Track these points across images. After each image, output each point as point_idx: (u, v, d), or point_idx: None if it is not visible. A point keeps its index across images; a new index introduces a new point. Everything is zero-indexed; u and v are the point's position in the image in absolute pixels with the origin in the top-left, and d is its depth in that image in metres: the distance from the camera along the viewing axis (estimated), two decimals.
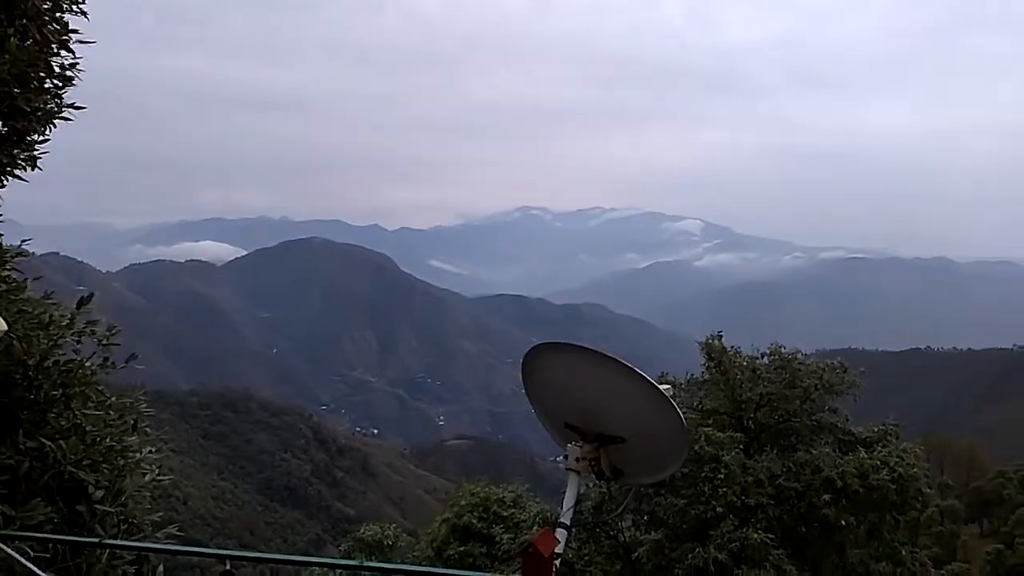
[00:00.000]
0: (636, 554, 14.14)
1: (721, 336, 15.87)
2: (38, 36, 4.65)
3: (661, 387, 3.16)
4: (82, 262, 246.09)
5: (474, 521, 14.23)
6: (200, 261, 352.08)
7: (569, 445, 3.20)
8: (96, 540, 3.98)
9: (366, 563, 3.94)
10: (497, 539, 14.00)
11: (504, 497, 14.68)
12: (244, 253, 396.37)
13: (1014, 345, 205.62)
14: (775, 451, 14.32)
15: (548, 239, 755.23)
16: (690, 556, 12.57)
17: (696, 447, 13.09)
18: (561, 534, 3.07)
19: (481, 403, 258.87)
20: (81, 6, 4.82)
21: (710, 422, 14.31)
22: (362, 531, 18.47)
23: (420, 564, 14.83)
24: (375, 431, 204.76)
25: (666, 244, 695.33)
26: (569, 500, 3.17)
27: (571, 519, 3.16)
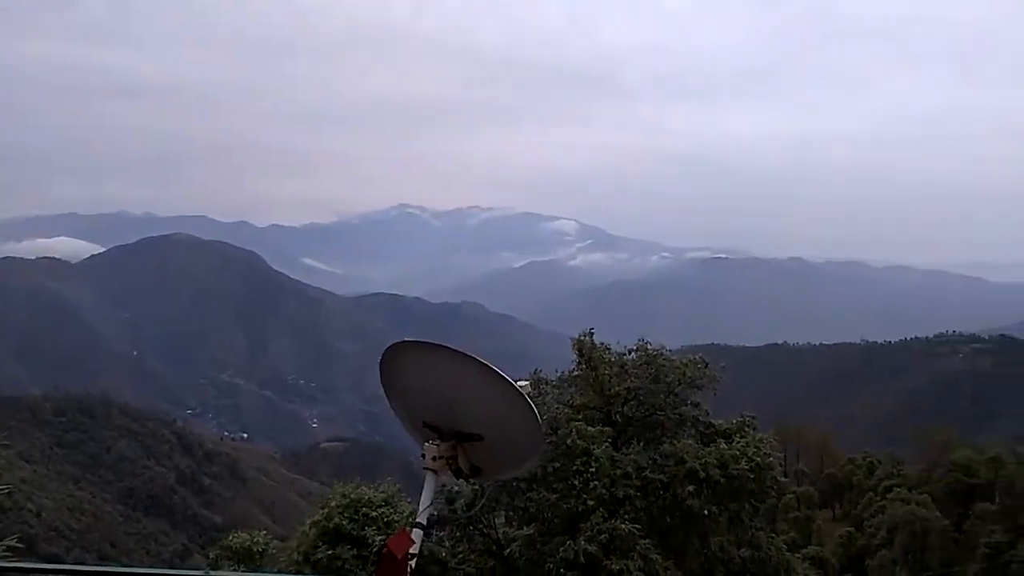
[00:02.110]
0: (509, 550, 14.28)
1: (592, 333, 16.22)
2: None
3: (518, 384, 3.20)
4: None
5: (344, 523, 13.95)
6: (53, 258, 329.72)
7: (426, 444, 3.19)
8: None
9: (229, 574, 3.77)
10: (369, 540, 13.80)
11: (374, 498, 14.47)
12: (102, 250, 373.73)
13: (861, 340, 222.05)
14: (641, 444, 14.76)
15: (426, 238, 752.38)
16: (561, 549, 12.79)
17: (568, 441, 13.34)
18: (417, 534, 3.05)
19: (356, 403, 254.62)
20: None
21: (580, 417, 14.60)
22: (230, 539, 17.80)
23: (287, 572, 14.44)
24: (244, 435, 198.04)
25: (542, 244, 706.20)
26: (425, 500, 3.16)
27: (427, 519, 3.15)
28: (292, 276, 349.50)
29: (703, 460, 13.92)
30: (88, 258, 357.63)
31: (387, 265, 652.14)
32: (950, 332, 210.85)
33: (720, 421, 16.08)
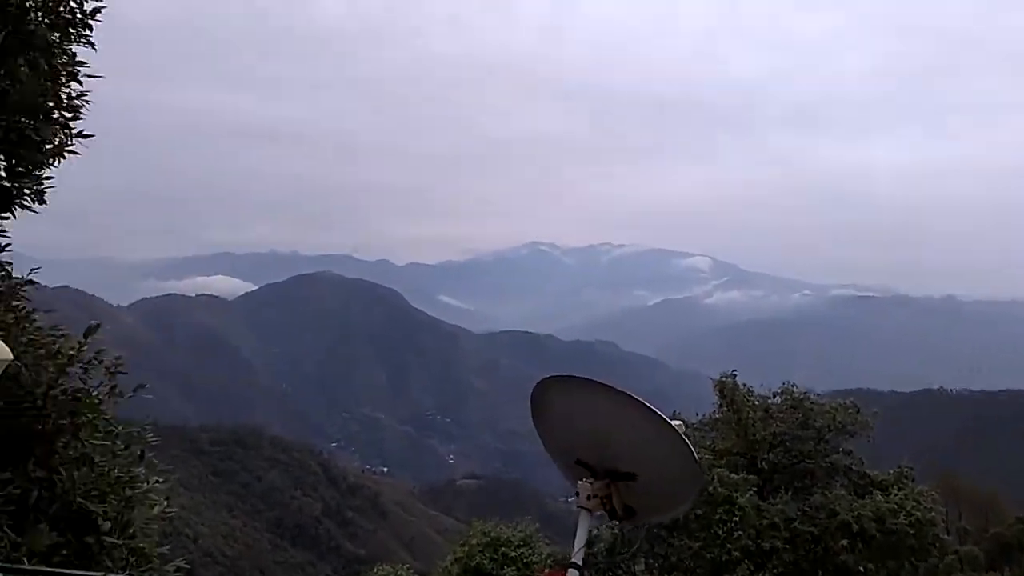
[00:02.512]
0: None
1: (735, 375, 15.73)
2: (47, 67, 4.65)
3: (673, 423, 3.10)
4: (93, 295, 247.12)
5: (484, 562, 13.98)
6: (211, 295, 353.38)
7: (580, 482, 3.12)
8: (102, 574, 3.91)
9: None
10: None
11: (513, 537, 14.43)
12: (254, 288, 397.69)
13: None
14: (789, 493, 14.10)
15: (557, 275, 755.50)
16: None
17: (709, 488, 12.90)
18: (573, 574, 2.98)
19: (491, 441, 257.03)
20: (89, 38, 4.85)
21: (723, 462, 14.12)
22: (375, 572, 18.19)
23: None
24: (384, 469, 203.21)
25: (675, 281, 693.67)
26: (580, 539, 3.08)
27: (583, 559, 3.07)
28: (429, 313, 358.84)
29: (857, 513, 13.13)
30: (242, 295, 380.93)
31: (519, 302, 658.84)
32: None
33: (875, 471, 15.14)
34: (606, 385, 3.09)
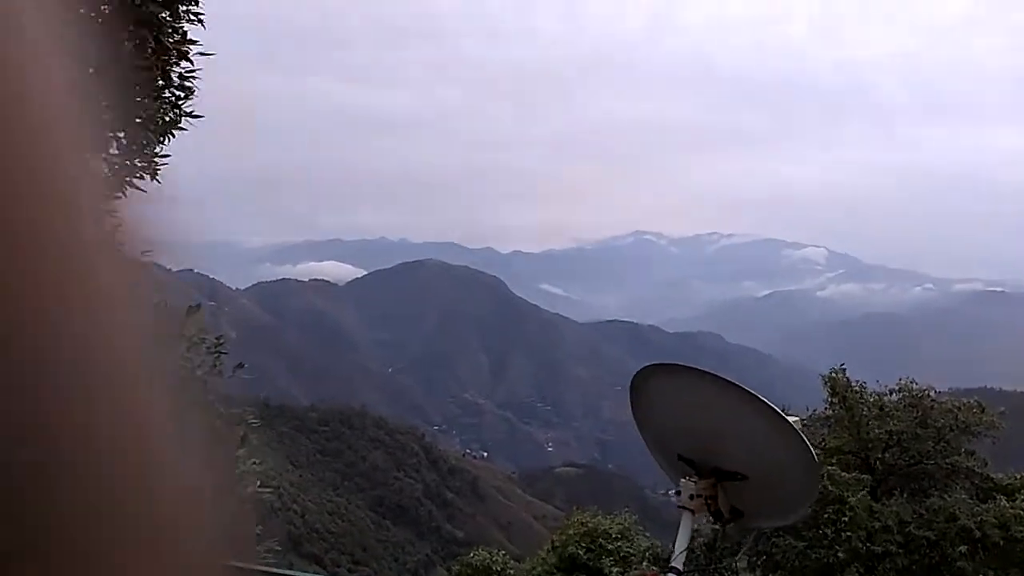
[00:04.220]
0: None
1: (845, 370, 15.05)
2: (154, 45, 4.52)
3: (790, 419, 2.85)
4: (214, 279, 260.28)
5: (580, 552, 13.89)
6: (323, 280, 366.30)
7: (682, 480, 2.93)
8: None
9: None
10: (605, 572, 13.62)
11: (611, 529, 14.28)
12: (364, 273, 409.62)
13: None
14: (905, 495, 13.40)
15: (662, 265, 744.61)
16: None
17: (820, 487, 12.39)
18: None
19: (590, 430, 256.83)
20: (200, 15, 4.72)
21: (834, 461, 13.54)
22: (471, 555, 18.38)
23: None
24: (484, 453, 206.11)
25: (787, 272, 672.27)
26: (682, 542, 2.90)
27: (684, 563, 2.89)
28: (531, 301, 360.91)
29: (980, 518, 12.34)
30: (352, 281, 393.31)
31: (622, 292, 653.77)
32: None
33: (1000, 475, 14.21)
34: (715, 375, 2.90)
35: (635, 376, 3.09)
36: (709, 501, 2.90)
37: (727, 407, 2.89)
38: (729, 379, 2.86)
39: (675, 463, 3.05)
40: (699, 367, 3.01)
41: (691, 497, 2.90)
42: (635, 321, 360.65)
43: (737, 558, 12.33)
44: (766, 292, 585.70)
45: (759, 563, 13.85)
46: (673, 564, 2.87)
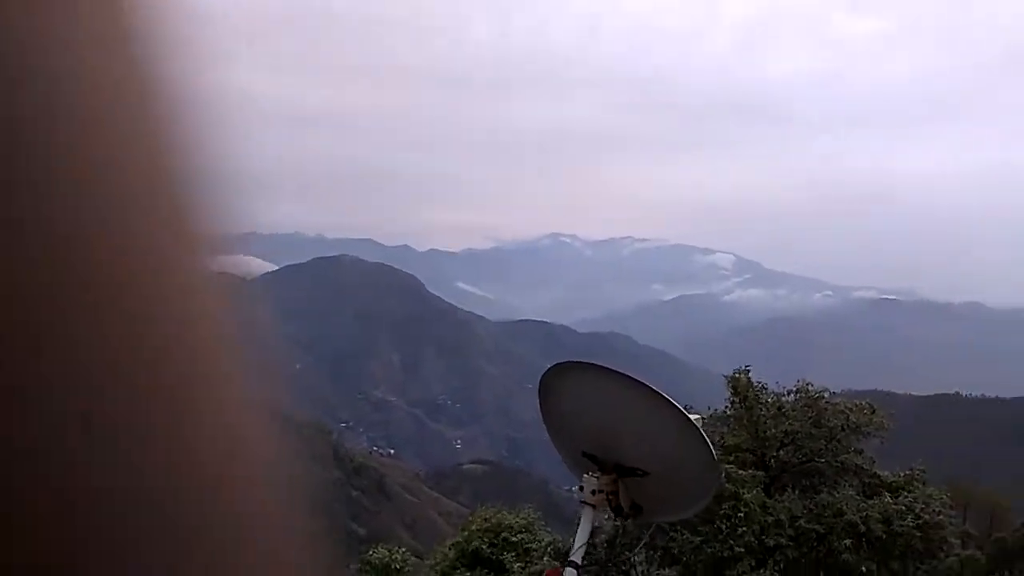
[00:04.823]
0: None
1: (748, 371, 15.61)
2: None
3: (691, 416, 2.96)
4: None
5: (483, 547, 13.99)
6: (231, 275, 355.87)
7: (585, 476, 2.99)
8: None
9: None
10: (507, 566, 13.77)
11: (515, 523, 14.43)
12: (275, 268, 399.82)
13: None
14: (797, 491, 14.01)
15: (577, 266, 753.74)
16: None
17: (718, 483, 12.84)
18: (570, 573, 2.87)
19: (500, 428, 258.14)
20: None
21: (732, 458, 14.03)
22: (371, 553, 18.24)
23: None
24: (391, 451, 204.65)
25: (696, 277, 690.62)
26: (581, 537, 2.97)
27: (582, 558, 2.96)
28: (447, 299, 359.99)
29: (865, 513, 13.02)
30: (261, 275, 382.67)
31: (538, 292, 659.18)
32: None
33: (886, 472, 15.03)
34: (621, 373, 2.98)
35: (544, 374, 3.15)
36: (610, 496, 2.98)
37: (631, 404, 2.98)
38: (634, 377, 2.96)
39: (579, 459, 3.12)
40: (604, 365, 3.10)
41: (593, 492, 2.98)
42: (548, 321, 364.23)
43: (635, 552, 12.63)
44: (674, 295, 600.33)
45: (656, 557, 14.24)
46: (572, 558, 2.95)
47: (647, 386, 2.91)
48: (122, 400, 0.36)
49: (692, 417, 2.93)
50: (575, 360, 3.11)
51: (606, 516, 3.44)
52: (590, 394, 3.12)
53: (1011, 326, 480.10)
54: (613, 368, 3.02)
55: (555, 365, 3.14)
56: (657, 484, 3.01)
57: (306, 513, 0.46)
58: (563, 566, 2.92)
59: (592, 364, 3.09)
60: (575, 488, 3.16)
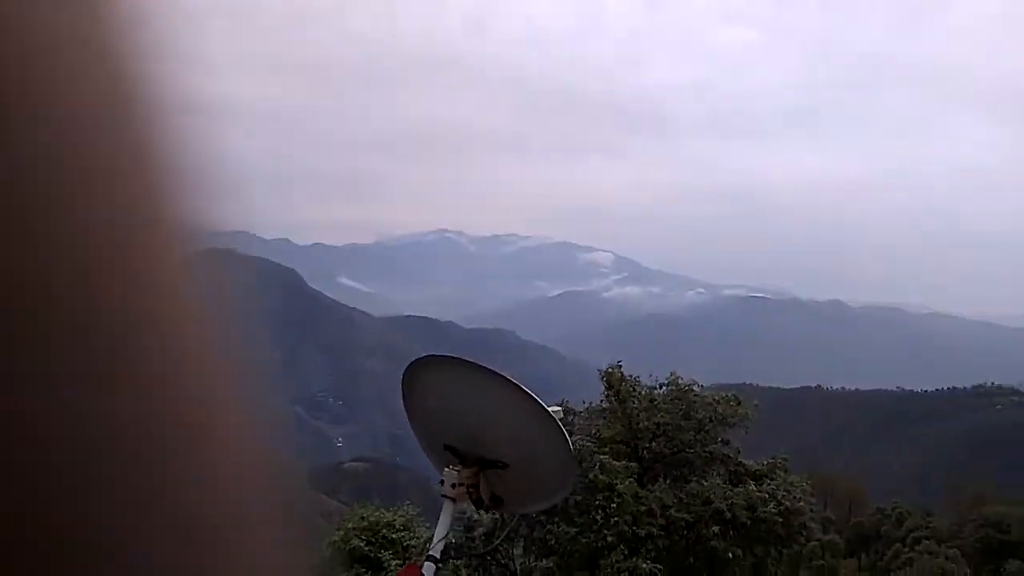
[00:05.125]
0: None
1: (621, 365, 16.01)
2: None
3: (551, 409, 2.98)
4: None
5: (361, 545, 13.80)
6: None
7: (446, 470, 2.97)
8: None
9: None
10: (385, 564, 13.63)
11: (394, 521, 14.30)
12: None
13: (898, 387, 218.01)
14: (668, 481, 14.48)
15: (462, 263, 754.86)
16: None
17: (591, 475, 13.10)
18: (429, 568, 2.83)
19: (382, 424, 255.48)
20: None
21: (606, 450, 14.36)
22: None
23: None
24: None
25: (578, 274, 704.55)
26: (441, 531, 2.94)
27: (441, 551, 2.93)
28: (328, 295, 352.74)
29: (731, 501, 13.61)
30: None
31: (423, 288, 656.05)
32: (989, 384, 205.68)
33: (751, 462, 15.74)
34: (482, 367, 2.96)
35: (406, 368, 3.10)
36: (471, 489, 2.96)
37: (493, 398, 2.96)
38: (496, 370, 2.95)
39: (441, 453, 3.09)
40: (468, 359, 3.08)
41: (453, 486, 2.95)
42: (433, 317, 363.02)
43: (497, 542, 12.75)
44: (557, 292, 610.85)
45: (535, 549, 14.44)
46: (431, 552, 2.92)
47: (507, 378, 2.91)
48: (111, 395, 0.36)
49: (553, 410, 2.95)
50: (437, 354, 3.07)
51: (483, 512, 3.41)
52: (452, 388, 3.09)
53: (869, 323, 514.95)
54: (473, 360, 3.01)
55: (416, 360, 3.10)
56: (518, 476, 3.02)
57: (283, 509, 0.47)
58: (422, 561, 2.88)
59: (454, 358, 3.06)
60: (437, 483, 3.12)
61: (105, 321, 0.37)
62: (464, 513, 12.60)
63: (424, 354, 3.23)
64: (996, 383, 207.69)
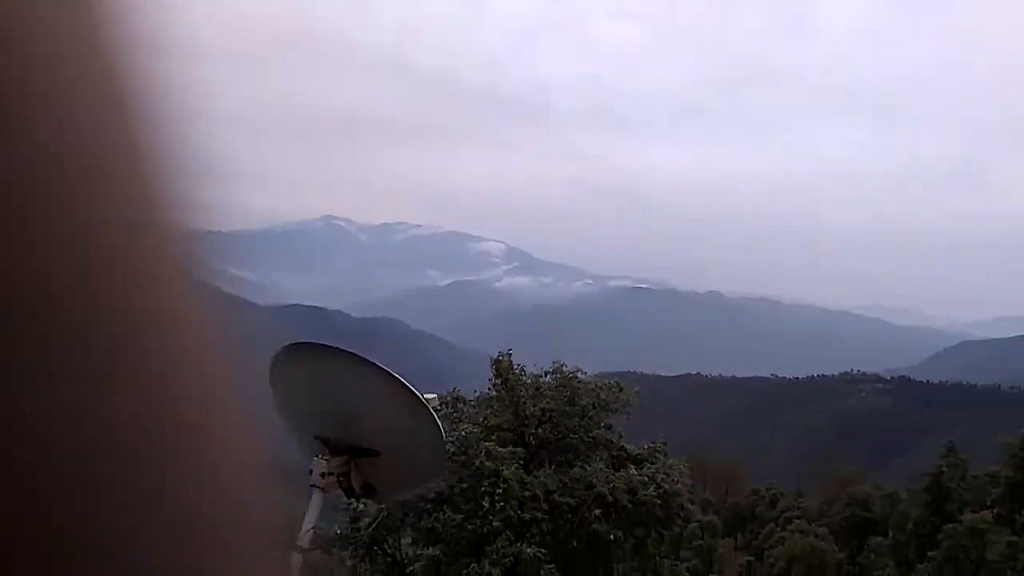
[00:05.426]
0: (411, 570, 13.97)
1: (510, 354, 16.15)
2: None
3: (427, 397, 2.96)
4: None
5: None
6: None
7: (315, 459, 2.90)
8: None
9: None
10: None
11: None
12: None
13: (771, 374, 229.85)
14: (553, 467, 14.71)
15: (351, 251, 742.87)
16: (464, 572, 12.58)
17: (477, 462, 13.17)
18: (296, 559, 2.77)
19: (261, 417, 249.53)
20: None
21: (494, 437, 14.47)
22: None
23: None
24: None
25: (468, 264, 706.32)
26: (309, 521, 2.86)
27: (309, 541, 2.86)
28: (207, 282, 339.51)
29: (612, 485, 13.94)
30: None
31: (309, 276, 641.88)
32: (854, 371, 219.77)
33: (633, 447, 16.19)
34: (353, 354, 2.91)
35: (274, 357, 2.99)
36: (341, 478, 2.90)
37: (365, 385, 2.92)
38: (366, 357, 2.91)
39: (312, 442, 3.02)
40: (340, 346, 3.01)
41: (322, 475, 2.89)
42: (320, 305, 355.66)
43: (371, 527, 12.67)
44: (449, 281, 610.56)
45: (421, 537, 14.40)
46: (298, 543, 2.85)
47: (380, 367, 2.87)
48: (111, 395, 0.36)
49: (427, 397, 2.93)
50: (307, 341, 2.99)
51: (351, 503, 3.35)
52: (324, 376, 3.01)
53: (745, 313, 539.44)
54: (343, 348, 2.95)
55: (283, 347, 3.00)
56: (390, 464, 2.98)
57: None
58: (291, 552, 2.80)
59: (322, 345, 2.99)
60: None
61: (105, 321, 0.37)
62: (351, 504, 12.43)
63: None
64: (861, 370, 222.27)
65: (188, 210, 0.43)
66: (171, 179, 0.42)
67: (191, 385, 0.42)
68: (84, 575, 0.36)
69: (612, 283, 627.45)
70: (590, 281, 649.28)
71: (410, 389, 2.88)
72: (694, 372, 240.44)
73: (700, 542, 61.11)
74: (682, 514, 16.04)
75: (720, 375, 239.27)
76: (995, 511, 53.65)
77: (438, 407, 3.10)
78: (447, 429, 13.86)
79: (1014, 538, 47.18)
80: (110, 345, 0.37)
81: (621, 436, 16.18)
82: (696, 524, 60.06)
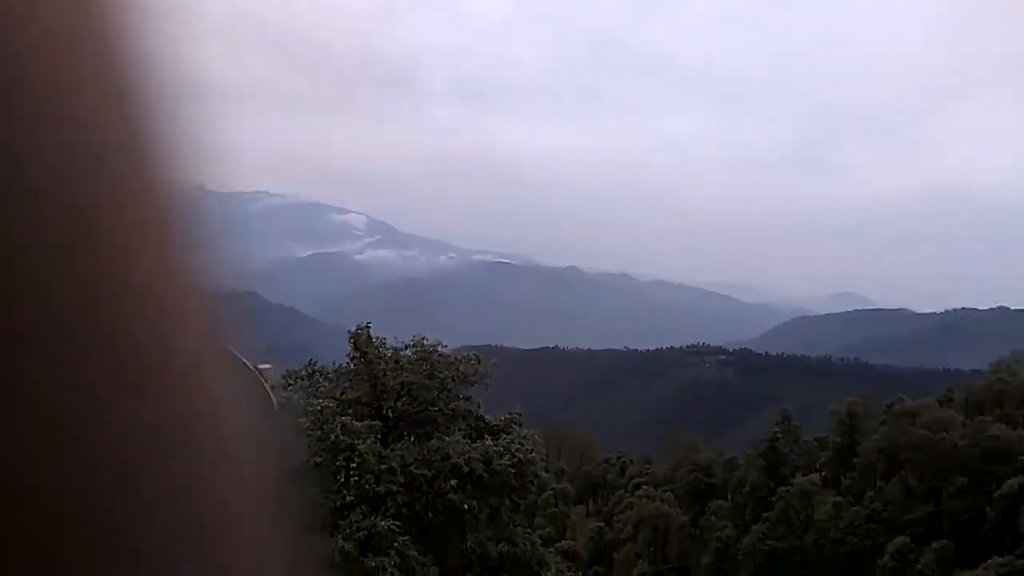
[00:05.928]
0: None
1: (369, 327, 15.97)
2: None
3: (259, 368, 2.88)
4: None
5: None
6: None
7: None
8: None
9: None
10: None
11: None
12: None
13: (625, 347, 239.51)
14: (412, 439, 14.74)
15: (200, 219, 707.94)
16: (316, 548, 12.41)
17: (332, 437, 12.99)
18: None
19: None
20: None
21: (350, 411, 14.31)
22: None
23: None
24: None
25: (329, 236, 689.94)
26: None
27: None
28: None
29: (468, 455, 14.12)
30: None
31: None
32: (700, 344, 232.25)
33: (491, 418, 16.43)
34: None
35: None
36: None
37: None
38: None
39: None
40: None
41: None
42: None
43: None
44: (308, 253, 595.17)
45: None
46: None
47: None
48: (111, 395, 0.37)
49: (262, 368, 2.85)
50: None
51: None
52: None
53: (601, 288, 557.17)
54: None
55: None
56: None
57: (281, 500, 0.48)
58: None
59: None
60: None
61: (105, 321, 0.37)
62: None
63: None
64: (706, 343, 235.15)
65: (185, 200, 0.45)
66: (170, 176, 0.43)
67: (191, 385, 0.43)
68: (84, 575, 0.36)
69: (475, 257, 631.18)
70: (453, 255, 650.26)
71: (239, 358, 2.80)
72: (551, 345, 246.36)
73: (554, 509, 63.01)
74: (536, 482, 16.45)
75: (577, 348, 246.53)
76: (823, 474, 58.52)
77: (283, 380, 3.04)
78: (304, 404, 13.58)
79: (839, 499, 51.69)
80: (110, 345, 0.37)
81: (480, 408, 16.38)
82: (550, 492, 61.93)
